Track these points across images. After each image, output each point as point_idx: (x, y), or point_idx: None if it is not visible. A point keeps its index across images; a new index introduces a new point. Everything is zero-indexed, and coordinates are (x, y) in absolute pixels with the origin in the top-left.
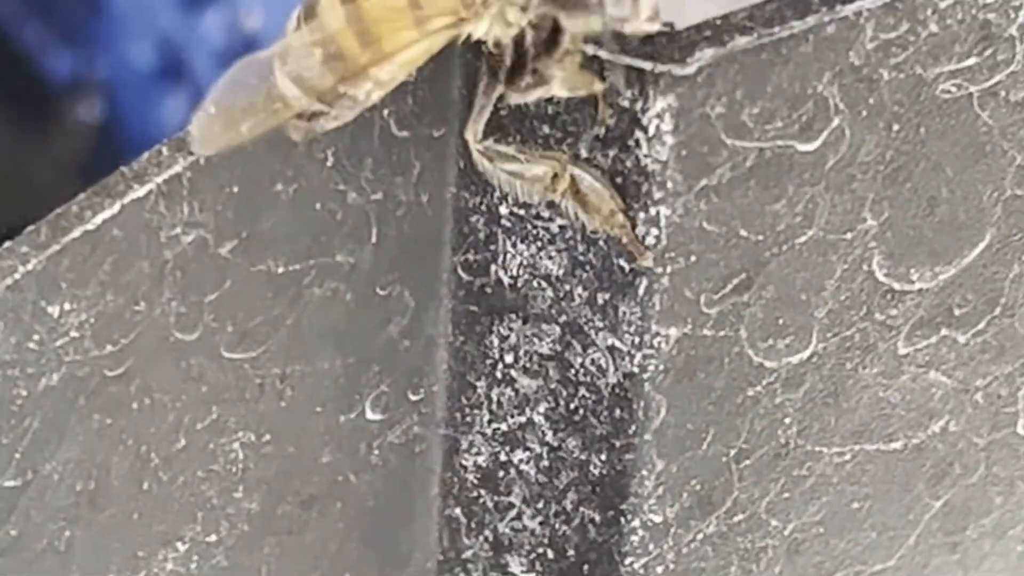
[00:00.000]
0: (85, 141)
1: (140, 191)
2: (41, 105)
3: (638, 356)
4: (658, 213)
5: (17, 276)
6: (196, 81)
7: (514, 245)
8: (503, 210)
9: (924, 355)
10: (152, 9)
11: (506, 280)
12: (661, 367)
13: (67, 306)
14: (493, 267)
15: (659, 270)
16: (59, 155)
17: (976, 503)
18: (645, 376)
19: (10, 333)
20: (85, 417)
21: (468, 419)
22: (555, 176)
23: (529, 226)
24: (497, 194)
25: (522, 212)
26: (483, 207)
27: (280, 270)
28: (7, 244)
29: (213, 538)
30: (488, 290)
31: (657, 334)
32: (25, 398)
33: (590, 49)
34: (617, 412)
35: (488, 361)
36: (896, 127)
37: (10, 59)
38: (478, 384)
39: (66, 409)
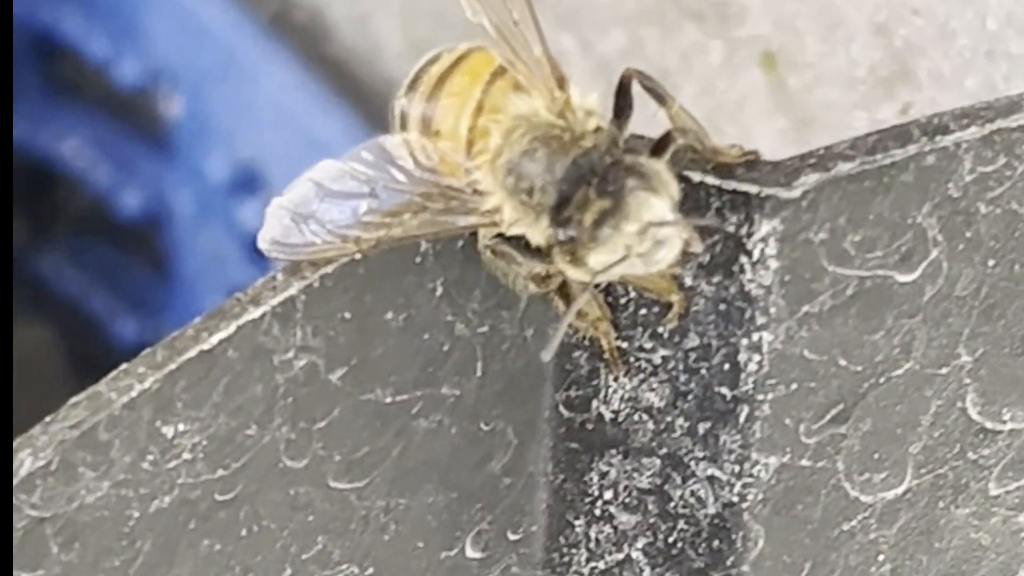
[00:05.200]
0: None
1: (255, 313)
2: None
3: (738, 485)
4: (760, 339)
5: (134, 394)
6: None
7: (616, 379)
8: (605, 344)
9: (1014, 497)
10: (223, 263)
11: (607, 415)
12: (760, 496)
13: (181, 427)
14: (595, 403)
15: (760, 397)
16: None
17: None
18: (745, 505)
19: (125, 452)
20: (195, 542)
21: (566, 559)
22: (548, 276)
23: (632, 359)
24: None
25: (625, 345)
26: (586, 342)
27: (388, 400)
28: (124, 365)
29: None
30: (589, 426)
31: (757, 462)
32: (137, 519)
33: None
34: (716, 543)
35: (587, 499)
36: (991, 262)
37: (78, 327)
38: (576, 522)
39: (177, 532)
